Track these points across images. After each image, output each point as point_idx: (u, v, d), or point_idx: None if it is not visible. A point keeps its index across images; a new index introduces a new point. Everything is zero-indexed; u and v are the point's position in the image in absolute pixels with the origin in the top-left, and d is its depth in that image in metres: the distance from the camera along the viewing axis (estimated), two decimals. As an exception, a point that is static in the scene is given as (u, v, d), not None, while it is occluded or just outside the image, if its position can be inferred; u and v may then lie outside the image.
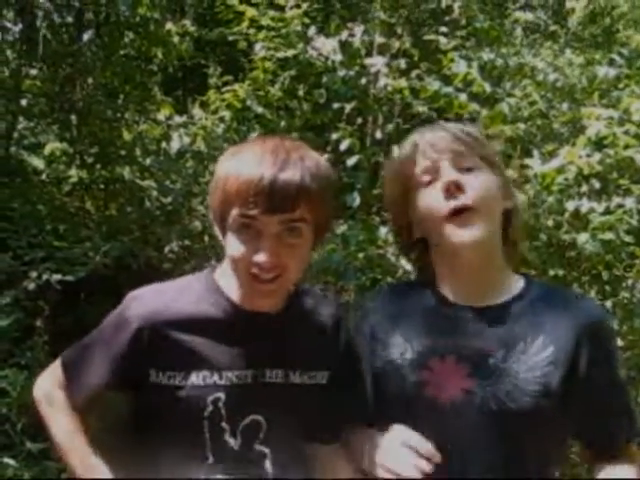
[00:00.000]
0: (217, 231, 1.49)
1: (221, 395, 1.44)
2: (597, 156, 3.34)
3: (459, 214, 1.46)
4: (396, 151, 1.64)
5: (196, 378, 1.44)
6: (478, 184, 1.48)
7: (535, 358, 1.43)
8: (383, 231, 3.60)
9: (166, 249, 4.90)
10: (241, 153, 1.44)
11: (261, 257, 1.37)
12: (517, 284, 1.56)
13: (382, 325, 1.59)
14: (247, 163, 1.39)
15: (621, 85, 4.17)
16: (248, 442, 1.46)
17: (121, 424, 1.59)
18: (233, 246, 1.42)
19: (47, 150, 5.29)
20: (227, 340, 1.47)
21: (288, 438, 1.49)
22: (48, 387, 1.58)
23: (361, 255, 3.49)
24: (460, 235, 1.45)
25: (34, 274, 3.65)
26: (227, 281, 1.52)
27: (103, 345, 1.51)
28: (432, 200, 1.49)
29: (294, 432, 1.51)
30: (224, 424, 1.44)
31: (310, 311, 1.59)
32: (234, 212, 1.39)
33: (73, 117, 5.08)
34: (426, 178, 1.51)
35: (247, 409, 1.46)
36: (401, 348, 1.52)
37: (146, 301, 1.49)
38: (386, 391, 1.52)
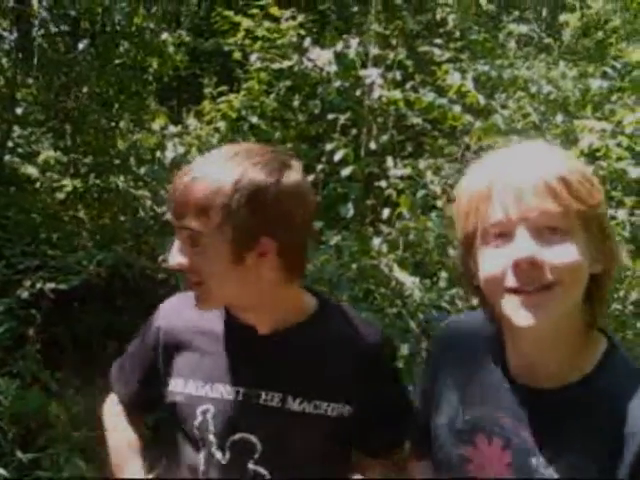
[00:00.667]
0: None
1: (210, 407, 1.45)
2: (590, 168, 3.36)
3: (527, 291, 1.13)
4: (465, 178, 1.23)
5: (191, 386, 1.47)
6: (562, 258, 1.11)
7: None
8: (376, 242, 3.60)
9: (160, 259, 4.90)
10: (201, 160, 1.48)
11: (171, 259, 1.40)
12: (591, 358, 1.20)
13: (440, 376, 1.40)
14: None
15: (614, 98, 4.20)
16: (239, 460, 1.43)
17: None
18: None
19: (41, 159, 5.30)
20: (225, 352, 1.47)
21: (297, 464, 1.43)
22: (108, 402, 1.71)
23: (354, 266, 3.49)
24: (523, 317, 1.13)
25: (28, 283, 3.65)
26: None
27: (135, 352, 1.63)
28: (497, 266, 1.15)
29: (305, 458, 1.45)
30: (211, 437, 1.44)
31: (332, 337, 1.49)
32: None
33: (68, 126, 5.08)
34: (495, 231, 1.16)
35: (236, 426, 1.44)
36: (452, 413, 1.33)
37: (165, 309, 1.58)
38: (432, 451, 1.39)
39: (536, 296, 1.12)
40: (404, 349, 3.31)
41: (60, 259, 3.91)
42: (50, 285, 3.64)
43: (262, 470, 1.43)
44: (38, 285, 3.63)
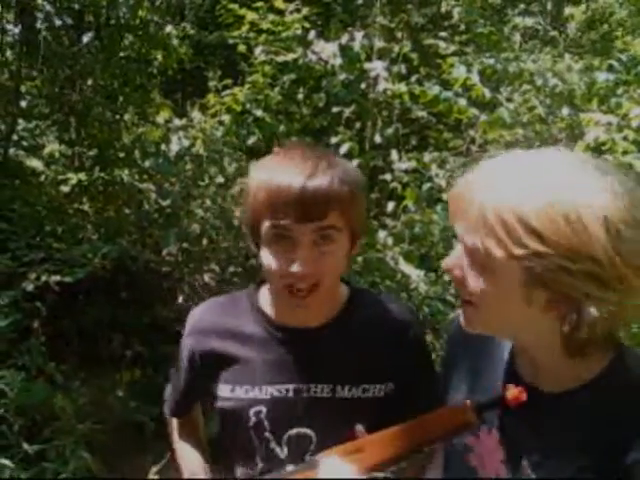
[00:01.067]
0: (252, 245, 1.50)
1: (262, 408, 1.49)
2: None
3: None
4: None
5: (239, 391, 1.50)
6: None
7: None
8: (382, 235, 3.61)
9: (164, 252, 4.90)
10: (269, 164, 1.44)
11: (296, 267, 1.36)
12: (595, 365, 1.14)
13: (453, 362, 1.43)
14: (275, 173, 1.38)
15: (620, 91, 4.18)
16: (297, 453, 1.48)
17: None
18: (267, 258, 1.41)
19: (46, 152, 5.30)
20: (268, 355, 1.50)
21: None
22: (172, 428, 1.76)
23: (360, 259, 3.50)
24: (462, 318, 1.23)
25: (33, 275, 3.66)
26: (266, 297, 1.56)
27: (176, 368, 1.66)
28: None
29: None
30: (267, 434, 1.49)
31: (368, 322, 1.55)
32: (266, 224, 1.39)
33: (72, 119, 5.08)
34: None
35: (291, 421, 1.49)
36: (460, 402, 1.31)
37: (195, 319, 1.59)
38: None
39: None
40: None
41: (65, 252, 3.91)
42: (55, 278, 3.64)
43: None
44: (43, 278, 3.64)
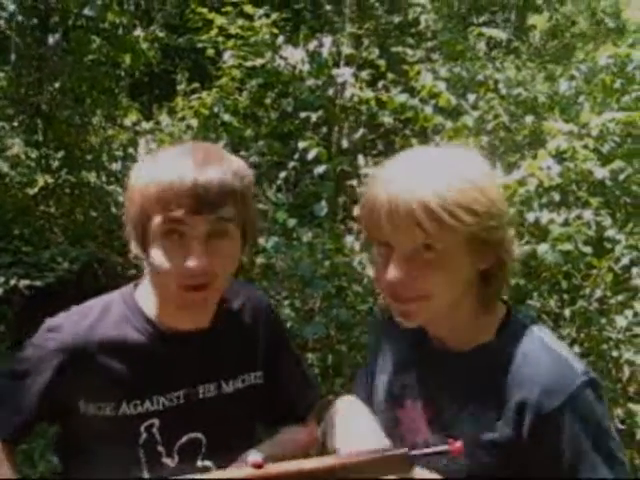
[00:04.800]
0: (137, 249, 1.37)
1: (155, 421, 1.39)
2: (557, 169, 3.43)
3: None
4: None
5: (127, 407, 1.37)
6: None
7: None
8: (349, 239, 3.65)
9: (131, 255, 4.90)
10: (156, 160, 1.34)
11: (191, 262, 1.27)
12: (491, 327, 1.35)
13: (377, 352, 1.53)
14: (164, 168, 1.30)
15: (581, 99, 4.29)
16: (187, 460, 1.42)
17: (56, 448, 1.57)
18: (158, 257, 1.30)
19: (11, 153, 5.25)
20: (154, 364, 1.41)
21: (233, 447, 1.41)
22: None
23: (327, 263, 3.54)
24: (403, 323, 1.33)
25: (1, 279, 3.62)
26: (149, 300, 1.43)
27: (26, 380, 1.39)
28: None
29: (239, 439, 1.46)
30: (160, 447, 1.40)
31: (237, 314, 1.52)
32: (156, 220, 1.29)
33: (39, 121, 5.05)
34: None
35: (182, 429, 1.42)
36: (387, 381, 1.45)
37: (65, 331, 1.39)
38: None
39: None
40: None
41: (33, 255, 3.88)
42: (25, 282, 3.60)
43: (209, 464, 1.43)
44: (12, 282, 3.60)
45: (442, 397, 1.34)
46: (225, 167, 1.31)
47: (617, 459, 1.25)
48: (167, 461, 1.40)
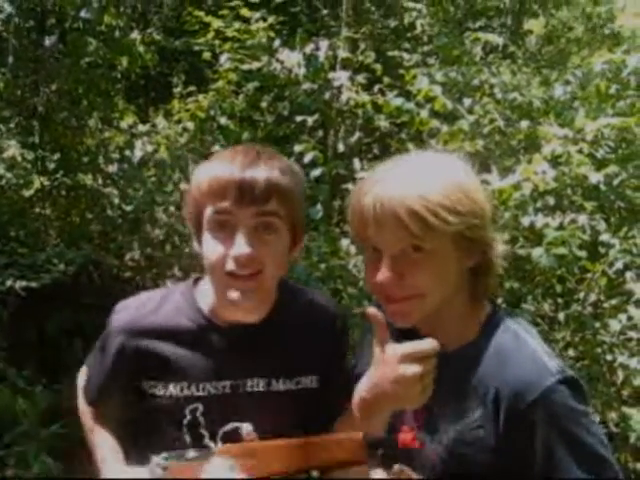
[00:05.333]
0: (196, 244, 1.49)
1: (199, 405, 1.48)
2: (552, 173, 3.45)
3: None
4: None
5: (174, 389, 1.48)
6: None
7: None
8: (345, 243, 3.67)
9: (127, 257, 4.90)
10: (212, 160, 1.47)
11: (237, 250, 1.37)
12: (477, 325, 1.41)
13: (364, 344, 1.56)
14: (218, 165, 1.42)
15: (576, 104, 4.31)
16: None
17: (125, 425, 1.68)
18: (209, 245, 1.41)
19: (7, 155, 5.24)
20: (202, 353, 1.49)
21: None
22: (80, 401, 1.70)
23: (323, 266, 3.55)
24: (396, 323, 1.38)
25: (-2, 280, 3.62)
26: (204, 294, 1.53)
27: (98, 356, 1.61)
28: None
29: (288, 436, 1.47)
30: (203, 430, 1.48)
31: (299, 315, 1.58)
32: (208, 211, 1.40)
33: (35, 123, 5.04)
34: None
35: (227, 417, 1.48)
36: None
37: (126, 313, 1.54)
38: None
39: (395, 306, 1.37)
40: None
41: (29, 257, 3.89)
42: (21, 283, 3.61)
43: None
44: (8, 283, 3.61)
45: (432, 397, 1.33)
46: (274, 165, 1.41)
47: (597, 456, 1.25)
48: (210, 444, 1.48)
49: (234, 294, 1.41)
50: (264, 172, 1.38)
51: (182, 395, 1.48)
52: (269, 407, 1.51)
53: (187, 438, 1.48)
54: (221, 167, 1.41)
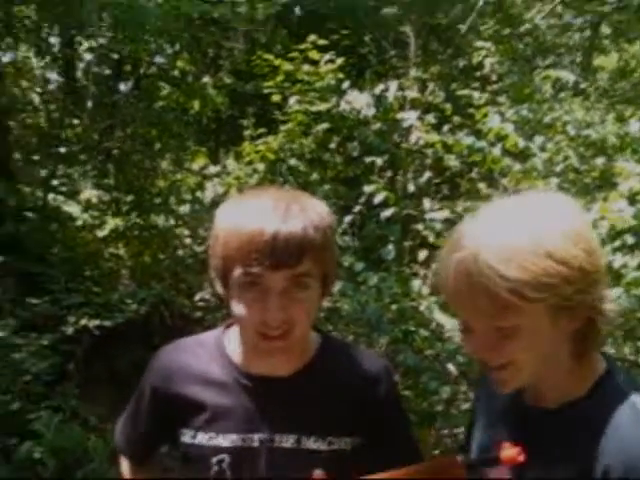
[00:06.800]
0: (219, 287, 1.42)
1: (225, 457, 1.43)
2: (630, 211, 3.35)
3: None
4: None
5: (202, 438, 1.44)
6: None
7: None
8: (416, 283, 3.62)
9: (197, 297, 4.95)
10: (240, 205, 1.37)
11: (270, 315, 1.31)
12: (584, 383, 1.27)
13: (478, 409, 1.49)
14: (247, 216, 1.31)
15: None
16: None
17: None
18: (239, 307, 1.34)
19: (83, 197, 5.41)
20: (234, 403, 1.44)
21: None
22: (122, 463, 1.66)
23: (394, 307, 3.50)
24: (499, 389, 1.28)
25: (72, 319, 3.70)
26: (234, 344, 1.49)
27: (136, 402, 1.57)
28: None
29: None
30: None
31: (336, 372, 1.50)
32: (237, 271, 1.32)
33: (110, 165, 5.20)
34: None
35: (253, 471, 1.43)
36: (479, 434, 1.43)
37: (162, 359, 1.52)
38: None
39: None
40: (443, 392, 3.30)
41: (103, 296, 3.97)
42: (95, 322, 3.68)
43: None
44: (83, 321, 3.68)
45: (528, 455, 1.23)
46: (306, 220, 1.31)
47: None
48: None
49: (264, 349, 1.37)
50: (297, 230, 1.29)
51: (209, 445, 1.43)
52: (298, 464, 1.42)
53: None
54: (249, 222, 1.30)
